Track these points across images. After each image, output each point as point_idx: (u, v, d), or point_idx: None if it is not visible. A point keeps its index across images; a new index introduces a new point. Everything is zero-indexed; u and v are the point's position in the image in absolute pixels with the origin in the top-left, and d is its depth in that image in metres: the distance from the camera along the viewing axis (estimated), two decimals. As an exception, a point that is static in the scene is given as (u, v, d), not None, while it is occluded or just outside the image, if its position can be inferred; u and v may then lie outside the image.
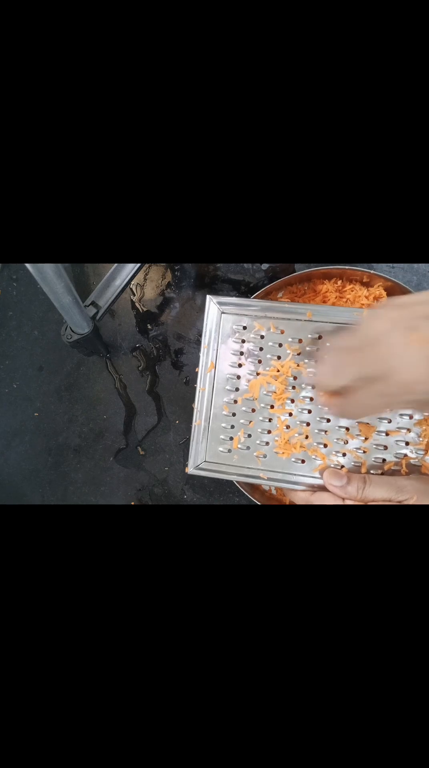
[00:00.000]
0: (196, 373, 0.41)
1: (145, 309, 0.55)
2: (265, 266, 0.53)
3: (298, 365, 0.38)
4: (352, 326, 0.31)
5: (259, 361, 0.38)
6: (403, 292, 0.44)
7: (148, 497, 0.53)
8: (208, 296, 0.38)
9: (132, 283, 0.51)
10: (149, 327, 0.55)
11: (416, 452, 0.37)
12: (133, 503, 0.53)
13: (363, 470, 0.38)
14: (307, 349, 0.38)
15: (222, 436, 0.38)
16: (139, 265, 0.47)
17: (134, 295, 0.55)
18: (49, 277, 0.35)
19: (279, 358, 0.38)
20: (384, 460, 0.37)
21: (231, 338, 0.39)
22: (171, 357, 0.54)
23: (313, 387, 0.36)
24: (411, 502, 0.32)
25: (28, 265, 0.33)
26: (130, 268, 0.46)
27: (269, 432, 0.37)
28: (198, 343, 0.54)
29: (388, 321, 0.28)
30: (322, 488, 0.37)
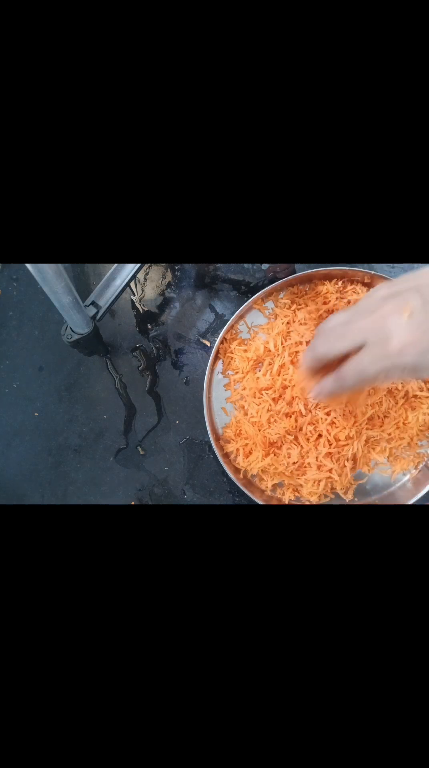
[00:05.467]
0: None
1: (145, 309, 0.55)
2: (265, 266, 0.53)
3: None
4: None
5: None
6: None
7: (148, 497, 0.53)
8: None
9: (132, 283, 0.51)
10: (149, 327, 0.55)
11: None
12: (133, 503, 0.53)
13: None
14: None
15: None
16: (139, 265, 0.47)
17: (134, 295, 0.55)
18: (49, 277, 0.35)
19: None
20: None
21: None
22: (171, 357, 0.54)
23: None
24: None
25: (28, 265, 0.33)
26: (130, 268, 0.46)
27: None
28: (198, 343, 0.54)
29: (380, 296, 0.30)
30: None
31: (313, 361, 0.33)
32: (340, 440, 0.45)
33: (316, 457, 0.45)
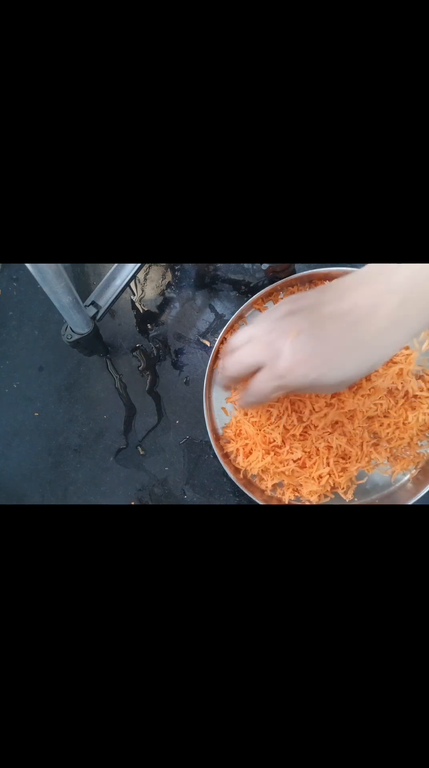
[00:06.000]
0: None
1: (145, 309, 0.55)
2: (265, 266, 0.53)
3: None
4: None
5: None
6: None
7: (148, 497, 0.53)
8: None
9: (132, 283, 0.51)
10: (149, 327, 0.55)
11: None
12: (133, 503, 0.53)
13: None
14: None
15: None
16: (139, 265, 0.47)
17: (134, 295, 0.55)
18: (49, 277, 0.35)
19: None
20: None
21: None
22: (171, 357, 0.54)
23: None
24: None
25: (28, 265, 0.33)
26: (130, 268, 0.46)
27: None
28: (198, 343, 0.54)
29: (279, 314, 0.31)
30: None
31: (227, 380, 0.35)
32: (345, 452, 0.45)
33: (318, 449, 0.45)
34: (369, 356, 0.30)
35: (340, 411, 0.44)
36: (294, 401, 0.45)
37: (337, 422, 0.45)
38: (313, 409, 0.45)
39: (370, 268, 0.30)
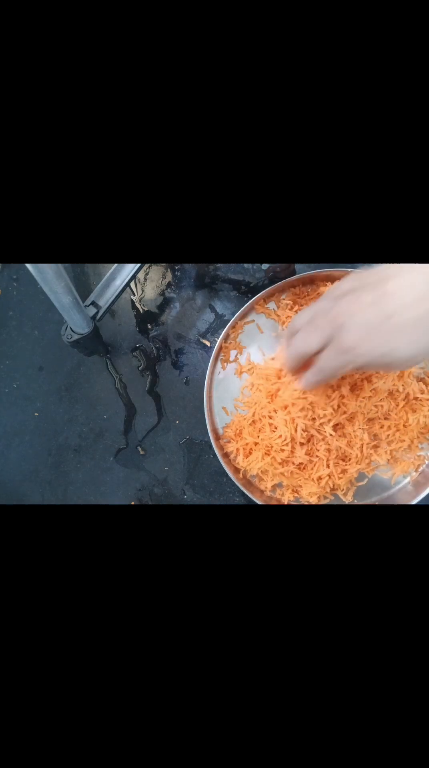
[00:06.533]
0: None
1: (145, 309, 0.55)
2: (265, 266, 0.53)
3: None
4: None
5: None
6: None
7: (148, 497, 0.53)
8: None
9: (132, 283, 0.51)
10: (149, 327, 0.55)
11: None
12: (133, 503, 0.53)
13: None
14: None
15: None
16: (139, 265, 0.46)
17: (134, 295, 0.55)
18: (49, 277, 0.35)
19: None
20: None
21: None
22: (171, 357, 0.54)
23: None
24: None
25: (28, 265, 0.33)
26: (130, 268, 0.46)
27: None
28: (198, 343, 0.54)
29: (341, 291, 0.31)
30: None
31: (291, 362, 0.36)
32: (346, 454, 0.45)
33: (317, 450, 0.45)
34: None
35: (341, 413, 0.44)
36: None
37: (337, 424, 0.45)
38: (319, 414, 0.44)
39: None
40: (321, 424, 0.44)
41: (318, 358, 0.33)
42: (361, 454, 0.45)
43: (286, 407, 0.44)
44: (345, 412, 0.44)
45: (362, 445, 0.45)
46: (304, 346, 0.33)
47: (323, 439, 0.45)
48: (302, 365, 0.36)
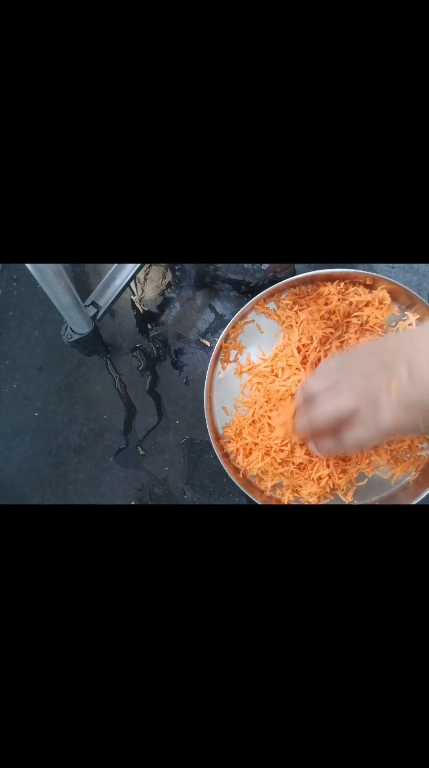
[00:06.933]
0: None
1: (145, 309, 0.55)
2: (265, 266, 0.53)
3: None
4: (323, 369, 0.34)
5: None
6: (407, 295, 0.44)
7: (148, 497, 0.53)
8: None
9: (132, 283, 0.51)
10: (149, 327, 0.55)
11: None
12: (133, 503, 0.53)
13: None
14: None
15: None
16: (139, 265, 0.46)
17: (134, 295, 0.55)
18: (49, 277, 0.35)
19: None
20: None
21: None
22: (171, 357, 0.54)
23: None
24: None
25: (28, 265, 0.33)
26: (130, 268, 0.46)
27: None
28: (198, 343, 0.54)
29: (367, 358, 0.31)
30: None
31: (309, 427, 0.35)
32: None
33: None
34: None
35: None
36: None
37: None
38: None
39: None
40: None
41: (347, 432, 0.32)
42: (361, 454, 0.45)
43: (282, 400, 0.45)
44: None
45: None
46: (328, 418, 0.33)
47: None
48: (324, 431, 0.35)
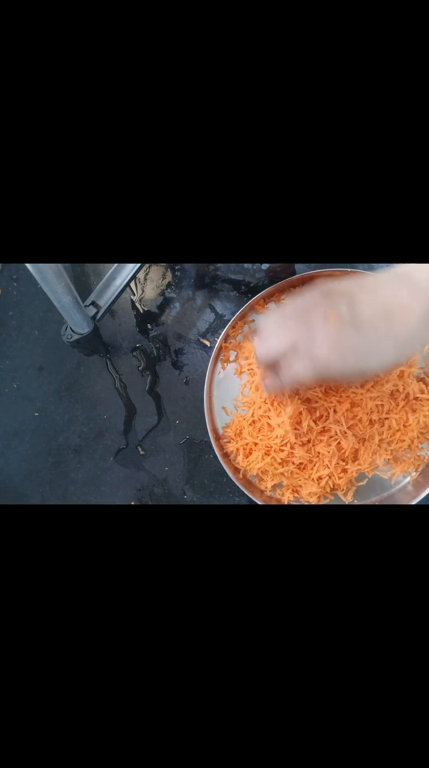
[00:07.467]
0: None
1: (145, 309, 0.55)
2: (265, 266, 0.53)
3: None
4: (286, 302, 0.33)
5: None
6: None
7: (148, 497, 0.53)
8: None
9: (132, 283, 0.51)
10: (149, 327, 0.55)
11: None
12: (133, 503, 0.53)
13: None
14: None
15: None
16: (139, 265, 0.46)
17: (134, 295, 0.55)
18: (49, 277, 0.35)
19: None
20: None
21: None
22: (171, 357, 0.54)
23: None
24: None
25: (28, 265, 0.33)
26: (130, 268, 0.46)
27: None
28: (198, 343, 0.54)
29: (315, 296, 0.31)
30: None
31: (259, 361, 0.35)
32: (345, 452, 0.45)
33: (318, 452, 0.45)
34: (404, 350, 0.30)
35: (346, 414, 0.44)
36: (310, 402, 0.45)
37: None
38: (330, 413, 0.44)
39: (403, 267, 0.30)
40: (325, 420, 0.44)
41: (285, 364, 0.32)
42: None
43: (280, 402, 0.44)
44: (354, 417, 0.44)
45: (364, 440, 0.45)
46: (268, 350, 0.33)
47: (322, 440, 0.45)
48: (269, 365, 0.35)
